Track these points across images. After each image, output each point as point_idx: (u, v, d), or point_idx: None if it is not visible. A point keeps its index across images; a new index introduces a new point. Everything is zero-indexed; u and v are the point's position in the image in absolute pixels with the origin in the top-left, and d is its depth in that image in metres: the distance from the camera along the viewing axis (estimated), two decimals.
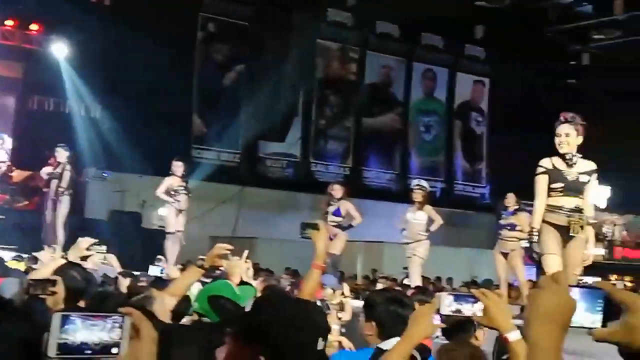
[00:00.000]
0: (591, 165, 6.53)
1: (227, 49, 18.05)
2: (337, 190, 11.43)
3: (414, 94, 20.98)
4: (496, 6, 17.98)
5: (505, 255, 11.17)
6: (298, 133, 18.97)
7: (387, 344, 3.22)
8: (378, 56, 20.29)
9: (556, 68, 20.11)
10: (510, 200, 11.19)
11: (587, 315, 1.61)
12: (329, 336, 5.90)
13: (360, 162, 19.95)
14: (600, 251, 21.27)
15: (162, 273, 8.10)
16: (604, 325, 1.62)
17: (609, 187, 22.11)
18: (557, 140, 6.45)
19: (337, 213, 11.30)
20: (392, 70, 20.61)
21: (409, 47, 20.65)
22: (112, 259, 8.62)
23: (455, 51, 21.21)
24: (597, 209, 21.99)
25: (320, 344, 2.08)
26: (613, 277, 20.87)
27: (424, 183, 11.72)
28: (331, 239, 11.29)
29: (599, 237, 21.43)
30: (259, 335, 2.05)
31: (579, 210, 6.46)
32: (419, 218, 11.20)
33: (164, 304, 4.18)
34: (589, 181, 6.51)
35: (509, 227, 11.08)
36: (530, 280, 11.29)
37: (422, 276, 12.19)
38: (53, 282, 4.21)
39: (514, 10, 17.82)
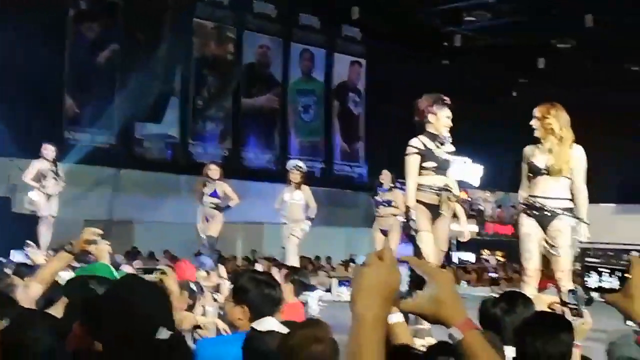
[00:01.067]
0: (452, 147, 6.88)
1: (100, 28, 17.48)
2: (214, 171, 11.38)
3: (292, 74, 21.01)
4: None
5: (384, 232, 11.41)
6: (175, 114, 18.66)
7: (261, 324, 3.22)
8: (255, 36, 20.18)
9: (430, 49, 20.56)
10: (386, 177, 11.44)
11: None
12: (204, 318, 5.86)
13: (239, 142, 19.84)
14: (474, 227, 22.04)
15: (27, 258, 7.83)
16: (410, 296, 1.70)
17: (482, 166, 22.88)
18: (445, 122, 6.75)
19: (214, 194, 11.25)
20: (270, 50, 20.55)
21: (286, 27, 20.66)
22: None
23: (332, 32, 21.38)
24: (470, 186, 22.78)
25: (162, 333, 2.03)
26: (485, 252, 21.70)
27: (301, 164, 11.84)
28: (208, 221, 11.26)
29: (472, 214, 22.25)
30: (96, 321, 2.00)
31: (447, 188, 6.74)
32: (296, 198, 11.31)
33: (27, 292, 4.06)
34: (453, 161, 6.86)
35: (385, 204, 11.33)
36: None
37: (302, 256, 12.32)
38: None
39: None
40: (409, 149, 6.78)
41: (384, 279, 1.63)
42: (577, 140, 6.60)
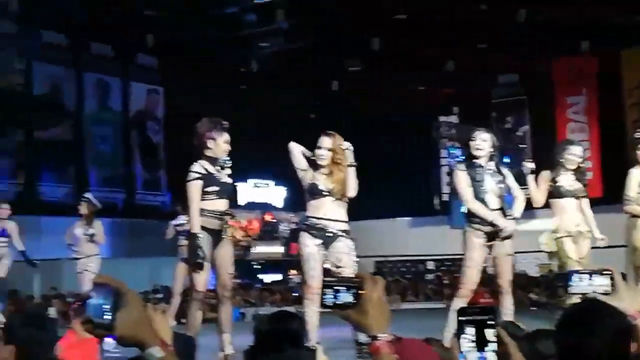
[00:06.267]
0: (229, 170, 6.87)
1: None
2: (4, 210, 10.95)
3: (86, 105, 20.42)
4: (164, 15, 18.12)
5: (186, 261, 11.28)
6: None
7: None
8: (45, 66, 19.46)
9: (228, 74, 20.72)
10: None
11: None
12: None
13: (33, 177, 18.99)
14: (279, 249, 22.36)
15: None
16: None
17: (285, 188, 23.28)
18: (224, 146, 6.77)
19: (3, 233, 10.79)
20: (62, 81, 19.88)
21: (77, 57, 20.07)
22: None
23: (127, 60, 21.02)
24: (275, 208, 23.01)
25: None
26: (292, 272, 22.02)
27: (90, 196, 11.60)
28: None
29: (275, 236, 22.56)
30: None
31: (229, 212, 6.77)
32: (88, 232, 11.05)
33: None
34: (233, 184, 6.89)
35: (185, 234, 11.23)
36: None
37: None
38: None
39: (184, 19, 18.09)
40: (191, 175, 6.67)
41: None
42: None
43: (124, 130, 21.41)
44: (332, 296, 1.97)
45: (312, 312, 6.40)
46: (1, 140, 18.55)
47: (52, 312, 11.40)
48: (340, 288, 1.97)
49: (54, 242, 14.81)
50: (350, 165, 6.71)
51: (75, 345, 4.93)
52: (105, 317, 1.62)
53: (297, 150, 6.90)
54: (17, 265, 11.54)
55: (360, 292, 1.94)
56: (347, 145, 6.75)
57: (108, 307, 1.62)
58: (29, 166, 19.03)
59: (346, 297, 1.95)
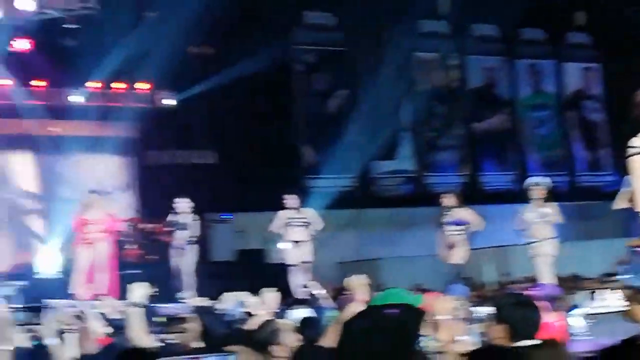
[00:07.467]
0: None
1: (326, 77, 18.16)
2: (447, 199, 11.41)
3: (520, 91, 20.50)
4: None
5: None
6: (409, 148, 18.86)
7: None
8: (478, 59, 19.97)
9: None
10: None
11: None
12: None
13: (475, 168, 19.61)
14: None
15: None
16: None
17: None
18: None
19: (453, 222, 11.22)
20: (495, 71, 20.22)
21: (508, 45, 20.24)
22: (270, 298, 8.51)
23: (558, 41, 20.63)
24: None
25: None
26: None
27: (540, 179, 11.49)
28: (451, 249, 11.21)
29: None
30: None
31: None
32: (542, 216, 10.96)
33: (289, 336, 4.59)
34: None
35: None
36: None
37: (557, 275, 11.88)
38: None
39: None
40: (630, 150, 5.95)
41: None
42: None
43: (560, 112, 21.05)
44: None
45: None
46: (446, 135, 19.48)
47: None
48: None
49: (500, 229, 15.06)
50: None
51: (544, 324, 4.95)
52: None
53: None
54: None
55: None
56: None
57: None
58: (471, 158, 19.66)
59: None
